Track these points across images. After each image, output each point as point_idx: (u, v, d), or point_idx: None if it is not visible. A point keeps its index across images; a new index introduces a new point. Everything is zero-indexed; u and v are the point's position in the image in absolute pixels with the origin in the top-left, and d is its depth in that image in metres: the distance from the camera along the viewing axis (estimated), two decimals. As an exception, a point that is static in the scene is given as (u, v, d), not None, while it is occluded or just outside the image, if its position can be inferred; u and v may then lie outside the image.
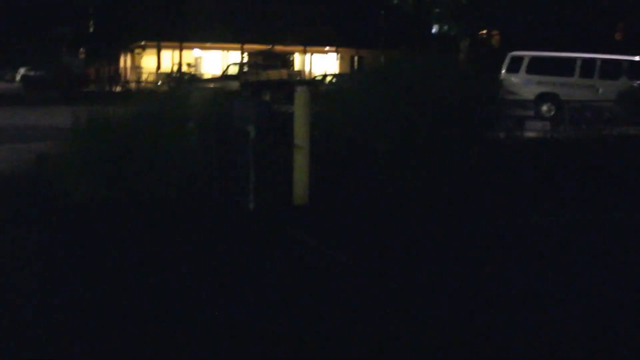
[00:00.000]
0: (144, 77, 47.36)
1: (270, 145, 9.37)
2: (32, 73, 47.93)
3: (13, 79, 59.72)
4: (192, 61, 48.65)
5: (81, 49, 47.92)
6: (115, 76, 46.98)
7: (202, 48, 50.85)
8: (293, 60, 45.33)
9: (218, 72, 45.46)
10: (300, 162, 9.02)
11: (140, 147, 9.26)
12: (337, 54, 52.58)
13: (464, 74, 10.74)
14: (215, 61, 50.88)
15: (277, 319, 5.34)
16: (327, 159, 9.69)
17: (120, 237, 7.76)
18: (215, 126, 9.97)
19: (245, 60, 43.79)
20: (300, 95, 9.18)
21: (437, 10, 37.55)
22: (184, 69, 43.24)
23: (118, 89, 45.03)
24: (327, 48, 52.31)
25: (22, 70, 53.36)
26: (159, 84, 44.08)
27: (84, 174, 9.21)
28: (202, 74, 44.51)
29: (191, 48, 50.37)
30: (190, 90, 11.02)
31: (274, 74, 39.12)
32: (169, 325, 5.21)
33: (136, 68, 49.08)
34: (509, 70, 24.27)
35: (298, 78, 40.62)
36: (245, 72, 40.02)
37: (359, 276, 6.49)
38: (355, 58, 52.38)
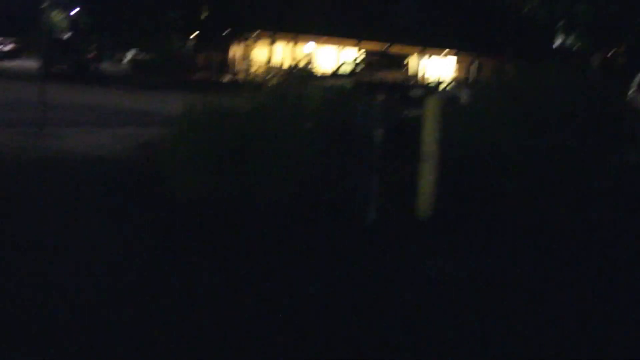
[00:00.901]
0: (253, 68, 46.25)
1: (394, 152, 9.03)
2: (140, 56, 47.59)
3: (122, 61, 59.96)
4: (308, 56, 47.45)
5: (191, 36, 47.21)
6: (224, 65, 46.02)
7: (316, 42, 49.32)
8: (408, 62, 43.29)
9: (330, 69, 43.91)
10: (427, 173, 8.57)
11: (256, 144, 8.75)
12: (457, 57, 50.14)
13: (602, 89, 10.70)
14: (328, 57, 49.29)
15: (399, 344, 4.94)
16: (454, 169, 9.24)
17: (228, 241, 7.33)
18: (336, 128, 9.23)
19: (360, 59, 42.06)
20: (432, 104, 8.73)
21: (562, 22, 35.14)
22: (303, 64, 42.10)
23: (226, 79, 44.07)
24: (446, 51, 49.92)
25: (130, 53, 53.17)
26: (269, 77, 42.90)
27: (192, 168, 8.69)
28: (317, 71, 43.06)
29: (305, 41, 48.88)
30: (310, 88, 9.64)
31: (388, 76, 37.33)
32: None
33: (246, 59, 47.99)
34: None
35: (413, 82, 38.63)
36: (359, 71, 38.30)
37: (485, 298, 6.06)
38: (474, 64, 49.85)
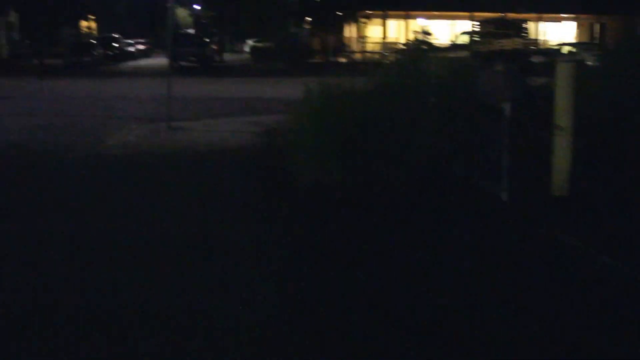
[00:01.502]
0: (368, 47, 46.42)
1: (524, 125, 8.29)
2: (259, 44, 48.69)
3: (242, 51, 61.48)
4: (427, 29, 47.01)
5: (306, 20, 47.83)
6: (340, 46, 46.40)
7: (428, 17, 48.85)
8: (527, 28, 42.07)
9: (445, 42, 43.47)
10: (561, 146, 7.74)
11: (378, 125, 8.61)
12: (576, 22, 48.43)
13: None
14: (442, 31, 48.75)
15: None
16: (590, 140, 8.43)
17: (357, 226, 7.09)
18: (460, 101, 8.78)
19: (477, 29, 41.32)
20: (563, 69, 7.78)
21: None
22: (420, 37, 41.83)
23: (343, 59, 44.45)
24: (564, 15, 48.31)
25: (250, 42, 54.43)
26: (385, 54, 42.95)
27: (315, 153, 8.66)
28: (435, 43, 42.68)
29: (417, 17, 48.55)
30: (430, 61, 9.58)
31: (507, 44, 36.61)
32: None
33: (361, 38, 48.17)
34: None
35: (533, 48, 37.64)
36: (476, 41, 37.76)
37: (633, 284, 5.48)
38: (596, 26, 48.09)
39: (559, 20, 48.89)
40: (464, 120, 8.55)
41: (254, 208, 8.22)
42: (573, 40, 46.57)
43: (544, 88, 8.90)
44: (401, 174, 8.19)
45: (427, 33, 12.73)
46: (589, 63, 35.43)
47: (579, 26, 48.82)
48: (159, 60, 46.18)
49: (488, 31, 39.36)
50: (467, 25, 45.50)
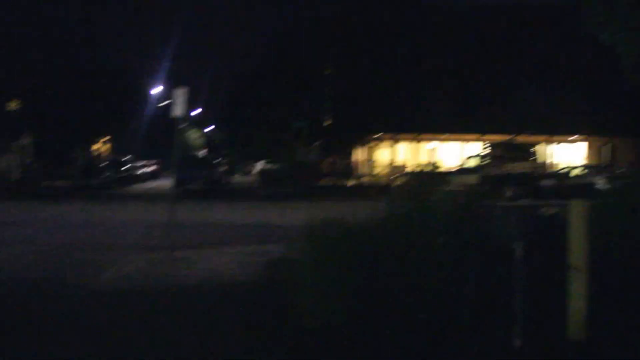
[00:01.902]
0: (376, 170, 46.47)
1: (537, 263, 7.88)
2: (269, 167, 48.84)
3: (250, 173, 61.82)
4: (432, 152, 47.13)
5: (315, 143, 48.17)
6: (349, 169, 46.47)
7: (438, 139, 49.14)
8: (536, 151, 42.13)
9: (454, 165, 43.43)
10: (577, 287, 7.47)
11: (385, 265, 8.24)
12: (587, 142, 48.44)
13: None
14: (452, 153, 48.90)
15: None
16: (609, 279, 7.93)
17: None
18: (470, 239, 8.36)
19: (486, 152, 41.40)
20: (577, 207, 7.65)
21: None
22: (427, 162, 42.01)
23: (351, 183, 44.38)
24: (574, 137, 48.37)
25: (259, 164, 54.71)
26: (392, 178, 42.89)
27: (320, 293, 8.30)
28: (442, 168, 42.61)
29: (428, 140, 48.84)
30: (439, 193, 9.12)
31: (516, 167, 36.47)
32: None
33: (369, 161, 48.29)
34: None
35: (542, 171, 37.49)
36: (485, 164, 37.67)
37: None
38: (604, 148, 48.03)
39: (568, 141, 48.96)
40: (474, 260, 8.14)
41: (254, 355, 7.78)
42: (583, 161, 46.42)
43: (558, 219, 8.37)
44: (409, 315, 7.84)
45: (433, 162, 12.31)
46: (600, 187, 35.25)
47: (589, 146, 48.79)
48: (168, 182, 46.19)
49: (497, 154, 39.39)
50: (477, 147, 45.63)
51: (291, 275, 9.36)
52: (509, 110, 44.40)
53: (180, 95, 15.79)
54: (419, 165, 45.75)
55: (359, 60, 42.63)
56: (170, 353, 8.04)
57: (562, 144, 48.65)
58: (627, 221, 8.78)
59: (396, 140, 46.65)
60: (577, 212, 7.55)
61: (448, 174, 37.58)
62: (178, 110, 15.86)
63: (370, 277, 8.21)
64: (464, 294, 8.10)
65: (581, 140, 48.89)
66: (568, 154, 48.28)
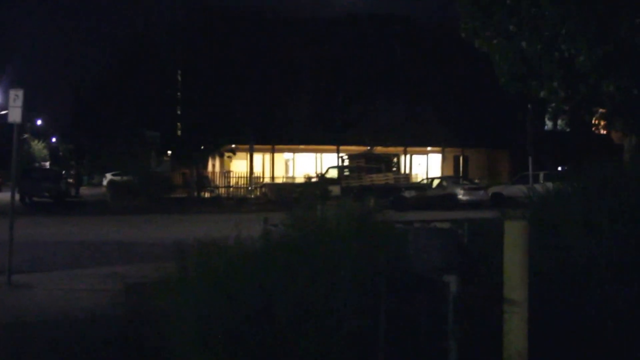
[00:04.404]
0: (233, 181, 45.07)
1: (471, 301, 6.49)
2: (118, 178, 46.42)
3: (100, 184, 58.94)
4: (290, 165, 45.97)
5: (167, 153, 46.20)
6: (204, 181, 44.79)
7: (294, 151, 48.36)
8: (398, 162, 42.06)
9: (313, 175, 42.81)
10: (515, 323, 6.08)
11: (278, 307, 6.53)
12: (442, 154, 49.16)
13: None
14: (309, 163, 48.27)
15: None
16: (548, 312, 6.69)
17: None
18: (382, 270, 6.89)
19: (346, 162, 40.92)
20: (514, 230, 6.16)
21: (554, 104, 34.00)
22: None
23: (207, 194, 42.78)
24: (429, 148, 48.99)
25: (108, 176, 52.15)
26: (249, 189, 41.71)
27: (199, 344, 6.51)
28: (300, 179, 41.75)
29: (284, 151, 48.00)
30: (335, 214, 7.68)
31: (378, 178, 36.14)
32: None
33: (225, 172, 46.84)
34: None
35: (405, 182, 37.34)
36: (346, 175, 37.15)
37: None
38: (460, 158, 48.93)
39: (425, 153, 49.52)
40: (388, 294, 6.74)
41: None
42: (440, 172, 47.02)
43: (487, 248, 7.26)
44: None
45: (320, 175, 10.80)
46: (462, 197, 35.56)
47: (443, 159, 49.51)
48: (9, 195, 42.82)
49: (358, 165, 38.97)
50: (334, 158, 45.18)
51: (160, 315, 7.65)
52: (366, 122, 44.25)
53: (17, 98, 13.72)
54: (276, 177, 45.19)
55: (213, 68, 41.17)
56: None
57: (419, 155, 49.18)
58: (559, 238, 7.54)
59: (250, 152, 45.43)
60: (513, 235, 6.14)
61: (307, 185, 36.94)
62: (15, 115, 13.79)
63: (263, 324, 6.57)
64: (378, 337, 6.72)
65: (436, 152, 49.57)
66: (425, 165, 48.87)
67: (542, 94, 14.63)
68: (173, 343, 6.72)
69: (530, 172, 23.34)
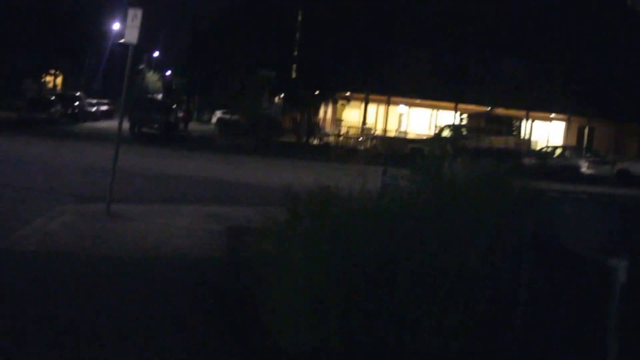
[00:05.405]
0: (343, 130, 43.85)
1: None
2: (228, 117, 45.96)
3: (209, 121, 59.02)
4: (403, 119, 44.40)
5: (280, 95, 45.29)
6: (314, 127, 43.73)
7: (410, 104, 46.58)
8: (520, 126, 39.75)
9: (425, 132, 41.13)
10: None
11: (398, 270, 5.70)
12: (568, 122, 46.36)
13: None
14: (423, 119, 46.47)
15: None
16: None
17: None
18: (528, 242, 5.84)
19: (464, 122, 39.00)
20: None
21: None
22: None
23: (315, 141, 41.80)
24: (553, 115, 46.21)
25: (218, 113, 51.90)
26: (360, 140, 40.39)
27: (306, 307, 5.66)
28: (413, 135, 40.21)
29: (398, 103, 46.31)
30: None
31: (497, 141, 34.15)
32: None
33: (337, 120, 45.64)
34: None
35: (525, 148, 35.25)
36: (463, 135, 35.32)
37: None
38: (586, 129, 46.02)
39: (548, 119, 46.82)
40: (533, 275, 5.69)
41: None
42: (562, 142, 44.41)
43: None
44: (434, 345, 5.48)
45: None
46: (585, 170, 33.39)
47: (568, 128, 46.74)
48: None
49: (477, 126, 37.02)
50: (450, 116, 43.28)
51: (265, 262, 6.70)
52: (487, 81, 42.05)
53: (134, 18, 12.89)
54: (389, 130, 43.63)
55: (334, 12, 39.80)
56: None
57: (541, 122, 46.46)
58: None
59: (366, 101, 43.94)
60: None
61: (420, 142, 35.31)
62: (131, 35, 12.97)
63: (379, 289, 5.68)
64: (513, 321, 5.63)
65: (560, 120, 46.83)
66: (546, 133, 46.16)
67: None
68: (276, 295, 5.90)
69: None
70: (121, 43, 16.68)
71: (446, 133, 36.48)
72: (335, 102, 45.35)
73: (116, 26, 53.35)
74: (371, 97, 43.89)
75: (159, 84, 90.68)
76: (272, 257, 6.35)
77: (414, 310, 5.58)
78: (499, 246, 5.89)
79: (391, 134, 43.13)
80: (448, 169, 7.15)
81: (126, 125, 21.50)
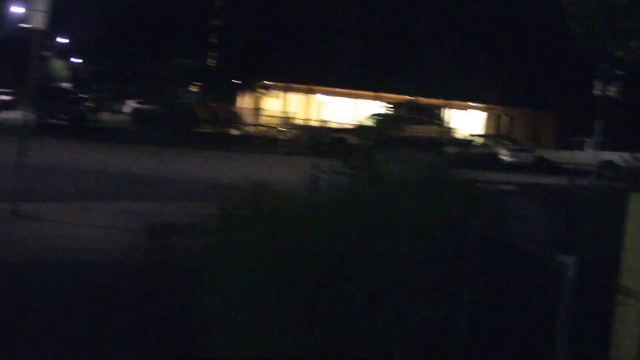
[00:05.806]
0: (263, 120, 42.87)
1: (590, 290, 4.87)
2: (143, 106, 44.26)
3: (120, 111, 56.83)
4: (325, 109, 43.66)
5: (196, 85, 43.90)
6: (232, 117, 42.52)
7: (330, 93, 45.92)
8: (442, 114, 39.62)
9: (345, 122, 40.55)
10: (629, 315, 4.56)
11: (351, 271, 5.22)
12: (487, 111, 46.61)
13: None
14: (345, 109, 45.89)
15: None
16: None
17: None
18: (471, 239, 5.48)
19: (387, 111, 38.55)
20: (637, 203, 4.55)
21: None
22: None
23: (234, 131, 40.65)
24: (473, 104, 46.39)
25: (131, 103, 50.08)
26: (281, 130, 39.53)
27: (251, 312, 5.18)
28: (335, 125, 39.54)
29: (320, 93, 45.59)
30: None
31: (421, 130, 33.79)
32: None
33: (256, 110, 44.58)
34: None
35: (448, 137, 35.03)
36: (386, 125, 34.83)
37: None
38: (503, 118, 46.37)
39: (467, 108, 46.95)
40: (482, 272, 5.24)
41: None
42: (482, 131, 44.62)
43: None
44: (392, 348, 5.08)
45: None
46: (505, 158, 33.43)
47: (487, 117, 47.02)
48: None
49: (401, 115, 36.65)
50: (372, 105, 42.83)
51: (197, 265, 5.99)
52: (408, 70, 41.74)
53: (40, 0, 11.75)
54: (310, 120, 42.93)
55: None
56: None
57: (461, 110, 46.56)
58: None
59: (286, 90, 43.01)
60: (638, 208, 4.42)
61: (342, 131, 34.75)
62: (37, 20, 11.77)
63: (329, 292, 5.13)
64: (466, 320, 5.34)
65: (479, 109, 47.06)
66: (466, 122, 46.31)
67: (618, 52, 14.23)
68: (213, 304, 5.30)
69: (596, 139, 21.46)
70: (23, 27, 15.35)
71: (370, 122, 35.97)
72: (254, 91, 44.32)
73: (16, 9, 50.87)
74: (293, 86, 43.03)
75: (65, 72, 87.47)
76: (207, 260, 5.74)
77: (364, 314, 5.08)
78: (442, 244, 5.44)
79: (313, 123, 42.44)
80: (382, 162, 6.80)
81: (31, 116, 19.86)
